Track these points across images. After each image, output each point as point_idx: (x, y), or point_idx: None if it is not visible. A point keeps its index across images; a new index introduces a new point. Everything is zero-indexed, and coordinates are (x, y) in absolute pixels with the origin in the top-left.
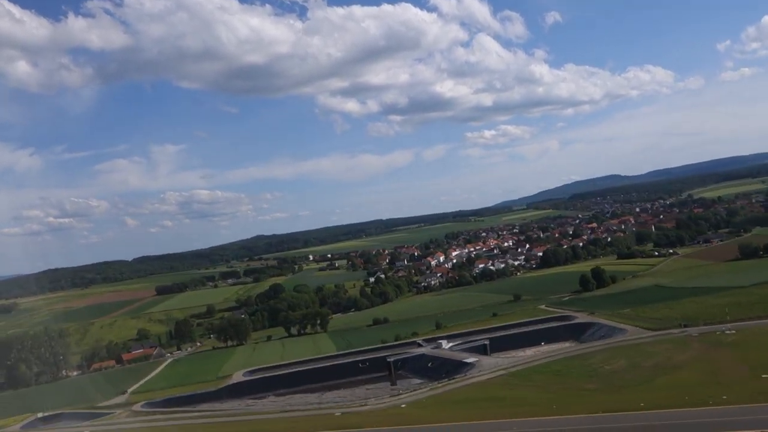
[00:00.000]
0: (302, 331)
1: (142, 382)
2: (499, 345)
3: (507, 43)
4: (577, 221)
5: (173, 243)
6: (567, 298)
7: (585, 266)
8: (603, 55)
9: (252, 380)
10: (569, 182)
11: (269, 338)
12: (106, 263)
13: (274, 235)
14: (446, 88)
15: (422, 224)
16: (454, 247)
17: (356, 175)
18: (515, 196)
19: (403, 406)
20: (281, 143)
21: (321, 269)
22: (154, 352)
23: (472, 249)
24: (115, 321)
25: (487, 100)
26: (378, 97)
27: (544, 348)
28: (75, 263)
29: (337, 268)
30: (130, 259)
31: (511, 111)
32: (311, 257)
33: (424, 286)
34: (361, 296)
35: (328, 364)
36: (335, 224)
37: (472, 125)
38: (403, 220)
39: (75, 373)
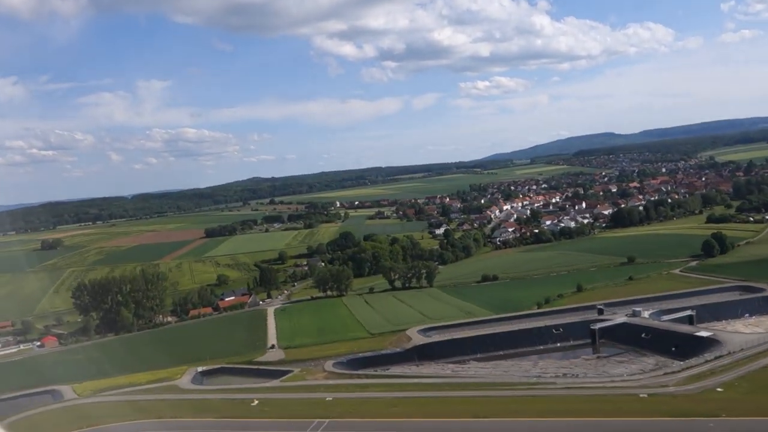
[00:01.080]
0: (407, 284)
1: (272, 333)
2: (701, 316)
3: None
4: (606, 179)
5: (158, 180)
6: (695, 263)
7: (668, 228)
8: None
9: (442, 342)
10: (562, 138)
11: (371, 290)
12: (105, 199)
13: (272, 178)
14: (444, 35)
15: (426, 174)
16: (501, 200)
17: (344, 120)
18: (506, 149)
19: (719, 389)
20: (272, 84)
21: (370, 218)
22: (249, 300)
23: (519, 204)
24: (179, 264)
25: (485, 50)
26: (375, 41)
27: (753, 320)
28: (65, 197)
29: (387, 217)
30: (129, 197)
31: (507, 63)
32: (338, 203)
33: (500, 241)
34: (442, 249)
35: (516, 328)
36: (333, 170)
37: (466, 75)
38: (402, 168)
39: (171, 319)
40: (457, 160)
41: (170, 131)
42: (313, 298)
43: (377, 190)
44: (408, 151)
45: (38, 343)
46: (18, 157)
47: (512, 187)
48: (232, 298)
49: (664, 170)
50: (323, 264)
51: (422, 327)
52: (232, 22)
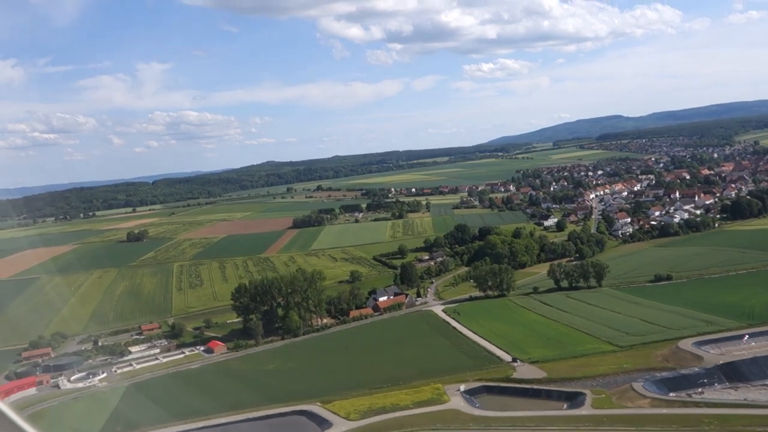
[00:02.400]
0: (573, 284)
1: (480, 341)
2: None
3: None
4: (661, 165)
5: (159, 163)
6: None
7: None
8: None
9: (755, 359)
10: (571, 120)
11: (536, 289)
12: (130, 184)
13: (290, 162)
14: (452, 17)
15: (451, 158)
16: (587, 189)
17: (346, 103)
18: (512, 132)
19: None
20: (275, 67)
21: (455, 207)
22: (406, 300)
23: (601, 192)
24: (291, 258)
25: (492, 32)
26: (383, 23)
27: None
28: (66, 181)
29: (474, 206)
30: (151, 181)
31: (513, 45)
32: (393, 190)
33: (626, 234)
34: (575, 244)
35: None
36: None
37: (471, 57)
38: (420, 152)
39: (328, 321)
40: (460, 144)
41: (172, 114)
42: (472, 298)
43: (414, 175)
44: (409, 134)
45: (202, 348)
46: (19, 141)
47: (566, 173)
48: (385, 298)
49: (716, 155)
50: (450, 258)
51: (697, 339)
52: (242, 3)
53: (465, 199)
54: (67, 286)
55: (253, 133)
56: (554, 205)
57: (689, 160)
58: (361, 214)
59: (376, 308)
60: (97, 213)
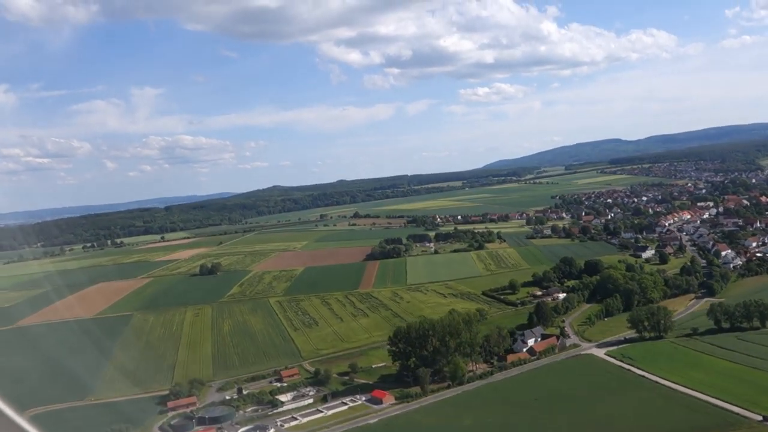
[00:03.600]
0: (736, 325)
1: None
2: None
3: None
4: (704, 191)
5: (152, 188)
6: None
7: None
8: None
9: None
10: (569, 144)
11: (695, 331)
12: (144, 210)
13: (297, 187)
14: (451, 42)
15: (465, 182)
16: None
17: (339, 126)
18: (507, 156)
19: None
20: (272, 91)
21: (530, 236)
22: (558, 342)
23: (675, 220)
24: (396, 293)
25: (490, 56)
26: (382, 48)
27: None
28: (58, 205)
29: (549, 236)
30: (162, 206)
31: (509, 69)
32: (438, 217)
33: (737, 266)
34: (688, 276)
35: None
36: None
37: (468, 81)
38: (430, 177)
39: (482, 367)
40: (456, 169)
41: (167, 138)
42: (627, 340)
43: (443, 201)
44: (402, 157)
45: (364, 398)
46: (12, 165)
47: (608, 199)
48: (533, 340)
49: (754, 181)
50: (573, 294)
51: None
52: (243, 29)
53: (537, 228)
54: (166, 325)
55: (247, 156)
56: (636, 235)
57: (730, 185)
58: (432, 243)
59: (531, 352)
60: (125, 240)
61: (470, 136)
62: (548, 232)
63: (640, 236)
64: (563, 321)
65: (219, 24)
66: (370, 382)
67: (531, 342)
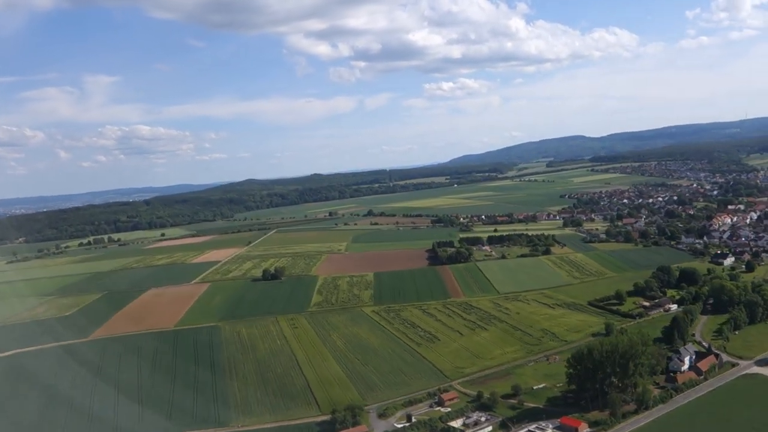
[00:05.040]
0: None
1: None
2: None
3: None
4: (716, 193)
5: (106, 179)
6: None
7: None
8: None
9: None
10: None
11: None
12: (125, 204)
13: (275, 180)
14: (420, 36)
15: (452, 178)
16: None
17: (300, 119)
18: (472, 151)
19: None
20: (235, 82)
21: (587, 240)
22: (717, 361)
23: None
24: (497, 305)
25: (457, 51)
26: (352, 41)
27: None
28: (16, 196)
29: (607, 240)
30: (142, 200)
31: (476, 64)
32: (461, 218)
33: None
34: None
35: None
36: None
37: (434, 76)
38: (411, 172)
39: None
40: (416, 164)
41: (123, 128)
42: None
43: (450, 199)
44: (360, 151)
45: (552, 425)
46: None
47: (624, 200)
48: (688, 358)
49: (759, 182)
50: (688, 306)
51: None
52: (213, 18)
53: (593, 231)
54: (266, 338)
55: (206, 148)
56: (696, 240)
57: (742, 187)
58: (487, 247)
59: (697, 371)
60: (117, 236)
61: (430, 130)
62: (604, 236)
63: (700, 241)
64: (693, 335)
65: (188, 13)
66: (540, 406)
67: (687, 360)
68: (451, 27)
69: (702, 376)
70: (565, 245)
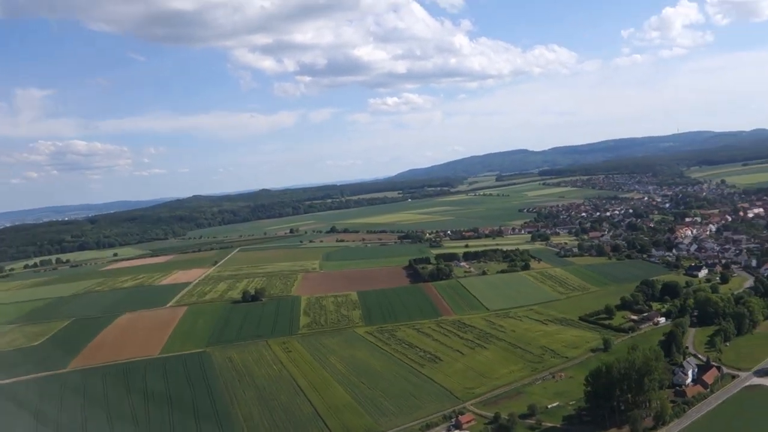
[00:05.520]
0: None
1: None
2: None
3: (440, 12)
4: (668, 205)
5: (37, 197)
6: None
7: None
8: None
9: None
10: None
11: None
12: (69, 223)
13: (221, 197)
14: (365, 51)
15: (403, 192)
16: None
17: (241, 134)
18: (417, 165)
19: None
20: (175, 96)
21: (561, 255)
22: (719, 373)
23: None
24: (490, 323)
25: (402, 67)
26: (297, 56)
27: None
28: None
29: (581, 255)
30: (84, 219)
31: (420, 80)
32: (427, 233)
33: None
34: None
35: None
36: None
37: (379, 91)
38: (361, 186)
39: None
40: (367, 178)
41: (57, 143)
42: None
43: (411, 215)
44: (305, 166)
45: None
46: None
47: (583, 213)
48: (690, 371)
49: (705, 194)
50: (678, 320)
51: None
52: (155, 32)
53: (563, 245)
54: (261, 364)
55: (145, 163)
56: (666, 253)
57: (692, 200)
58: (464, 263)
59: (704, 384)
60: (66, 257)
61: (374, 145)
62: (576, 250)
63: (669, 254)
64: (687, 347)
65: (129, 25)
66: (558, 425)
67: (690, 373)
68: (397, 43)
69: (708, 389)
70: (541, 260)
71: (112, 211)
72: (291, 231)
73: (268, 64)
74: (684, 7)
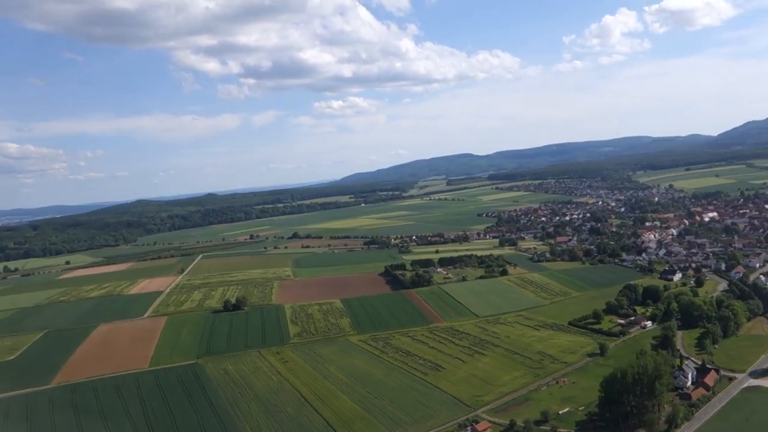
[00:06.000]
0: None
1: None
2: None
3: (386, 16)
4: (623, 210)
5: None
6: None
7: None
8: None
9: None
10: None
11: None
12: (8, 229)
13: (170, 201)
14: (311, 54)
15: (356, 197)
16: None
17: (183, 136)
18: (363, 169)
19: None
20: (114, 97)
21: (535, 260)
22: (718, 376)
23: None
24: (483, 329)
25: (348, 70)
26: (242, 58)
27: None
28: None
29: (554, 260)
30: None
31: (366, 84)
32: (392, 239)
33: None
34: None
35: None
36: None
37: (325, 95)
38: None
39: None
40: (314, 181)
41: None
42: None
43: (370, 220)
44: (249, 169)
45: None
46: None
47: (542, 218)
48: (691, 374)
49: (657, 199)
50: (666, 323)
51: None
52: (95, 32)
53: (532, 250)
54: (259, 375)
55: (81, 167)
56: (637, 257)
57: (647, 204)
58: (441, 269)
59: (706, 387)
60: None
61: (318, 148)
62: (549, 255)
63: (639, 258)
64: (678, 350)
65: (67, 25)
66: (572, 431)
67: (690, 376)
68: (343, 46)
69: (710, 392)
70: (516, 265)
71: (48, 216)
72: (251, 237)
73: (211, 65)
74: (623, 15)
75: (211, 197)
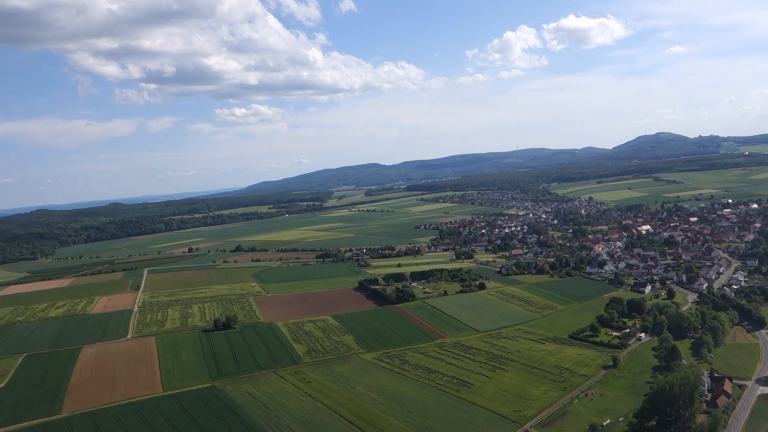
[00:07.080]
0: None
1: None
2: None
3: (296, 24)
4: (556, 222)
5: None
6: None
7: None
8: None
9: None
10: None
11: None
12: None
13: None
14: (216, 61)
15: (270, 206)
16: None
17: (73, 141)
18: (263, 178)
19: None
20: (2, 100)
21: (504, 273)
22: (731, 384)
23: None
24: (491, 344)
25: (254, 78)
26: (144, 63)
27: None
28: None
29: (522, 273)
30: None
31: (271, 92)
32: (345, 252)
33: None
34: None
35: None
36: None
37: (228, 102)
38: (229, 200)
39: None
40: (217, 189)
41: None
42: None
43: (308, 232)
44: (146, 176)
45: None
46: None
47: (482, 230)
48: (707, 382)
49: (583, 212)
50: (664, 335)
51: None
52: None
53: (492, 263)
54: (288, 396)
55: None
56: (599, 270)
57: (580, 216)
58: (415, 283)
59: (727, 394)
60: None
61: (217, 155)
62: (516, 268)
63: (602, 270)
64: (683, 359)
65: None
66: None
67: (706, 385)
68: (250, 53)
69: (731, 399)
70: (488, 279)
71: None
72: (189, 250)
73: (110, 69)
74: (523, 32)
75: (116, 206)
